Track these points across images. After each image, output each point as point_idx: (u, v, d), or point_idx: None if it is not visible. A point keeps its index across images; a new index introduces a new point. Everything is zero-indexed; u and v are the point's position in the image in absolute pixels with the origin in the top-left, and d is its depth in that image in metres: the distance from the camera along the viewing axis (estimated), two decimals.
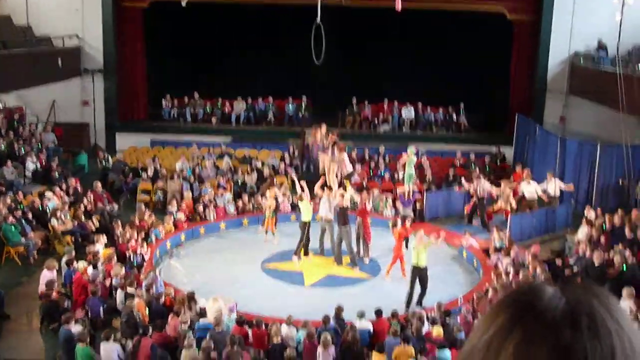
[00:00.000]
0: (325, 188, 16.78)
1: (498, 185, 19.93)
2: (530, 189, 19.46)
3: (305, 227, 16.32)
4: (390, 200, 20.07)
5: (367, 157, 23.83)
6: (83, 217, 17.69)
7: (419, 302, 14.28)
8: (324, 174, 17.06)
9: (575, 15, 25.48)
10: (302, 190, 16.67)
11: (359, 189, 19.32)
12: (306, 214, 16.39)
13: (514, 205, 19.35)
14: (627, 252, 14.67)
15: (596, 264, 14.54)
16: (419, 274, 14.24)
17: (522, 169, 21.05)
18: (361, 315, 12.30)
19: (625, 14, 20.32)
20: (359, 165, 22.28)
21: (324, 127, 17.72)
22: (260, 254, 16.81)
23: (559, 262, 15.76)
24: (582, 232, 16.97)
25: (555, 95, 26.29)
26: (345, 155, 17.15)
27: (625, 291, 12.93)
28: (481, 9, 26.03)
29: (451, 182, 22.00)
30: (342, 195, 16.15)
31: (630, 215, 17.31)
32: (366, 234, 16.70)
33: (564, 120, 26.28)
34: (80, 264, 14.17)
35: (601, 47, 24.67)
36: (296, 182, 17.41)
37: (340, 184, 16.84)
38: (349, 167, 17.22)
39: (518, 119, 25.54)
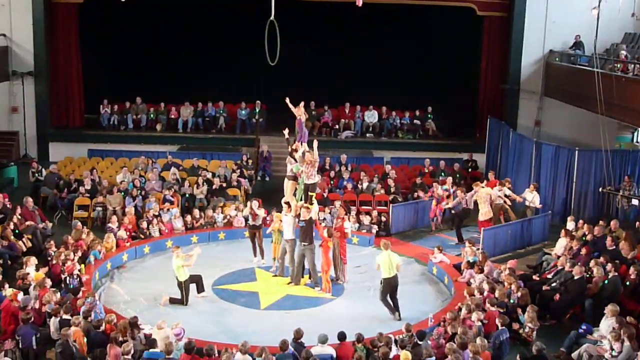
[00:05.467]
0: (284, 205, 16.69)
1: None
2: (498, 194, 19.82)
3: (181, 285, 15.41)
4: (353, 213, 20.10)
5: (327, 166, 23.78)
6: (12, 236, 17.30)
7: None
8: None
9: (549, 10, 25.96)
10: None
11: (320, 202, 19.30)
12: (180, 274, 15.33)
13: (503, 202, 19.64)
14: (609, 266, 14.87)
15: (576, 279, 14.72)
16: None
17: (495, 177, 21.26)
18: (323, 339, 12.23)
19: (602, 9, 20.69)
20: (318, 175, 22.22)
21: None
22: (211, 274, 16.64)
23: (536, 277, 15.93)
24: (561, 244, 17.19)
25: (530, 97, 26.70)
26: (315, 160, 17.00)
27: (608, 308, 13.10)
28: (449, 4, 26.32)
29: (418, 192, 22.09)
30: (308, 209, 16.09)
31: (610, 226, 17.61)
32: (342, 254, 16.63)
33: (539, 124, 26.66)
34: (9, 290, 13.87)
35: (578, 44, 25.11)
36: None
37: (307, 198, 16.71)
38: (315, 177, 17.08)
39: (490, 122, 25.83)
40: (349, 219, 18.81)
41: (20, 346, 12.27)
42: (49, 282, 14.40)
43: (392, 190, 22.15)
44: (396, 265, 14.73)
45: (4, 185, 22.46)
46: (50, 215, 20.26)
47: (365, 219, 20.04)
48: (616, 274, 14.71)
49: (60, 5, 26.54)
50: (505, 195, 19.74)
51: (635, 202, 18.77)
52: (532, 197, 19.77)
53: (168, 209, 20.00)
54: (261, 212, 18.07)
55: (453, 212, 19.89)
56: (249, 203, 18.50)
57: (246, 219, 19.10)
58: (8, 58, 26.30)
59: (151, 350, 11.94)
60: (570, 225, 18.23)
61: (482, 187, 19.52)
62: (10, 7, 26.00)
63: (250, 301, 15.58)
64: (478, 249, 17.13)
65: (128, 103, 28.02)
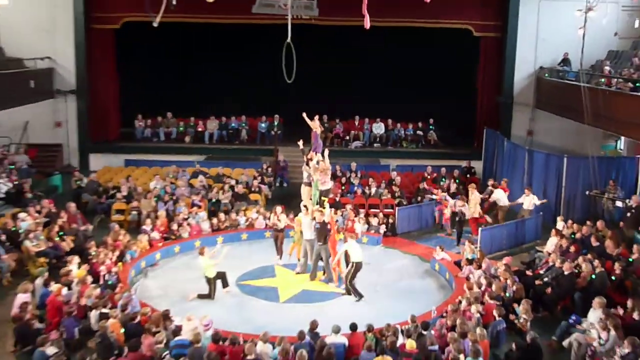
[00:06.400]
0: (303, 208, 16.73)
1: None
2: (504, 196, 20.09)
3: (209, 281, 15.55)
4: (362, 215, 20.07)
5: (339, 173, 23.76)
6: (57, 237, 17.41)
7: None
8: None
9: (539, 30, 25.90)
10: None
11: (332, 205, 19.34)
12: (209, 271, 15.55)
13: (479, 210, 19.62)
14: (596, 262, 14.80)
15: (566, 274, 14.65)
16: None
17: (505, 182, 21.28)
18: (336, 330, 12.22)
19: (588, 29, 20.64)
20: (331, 182, 22.21)
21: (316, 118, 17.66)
22: (235, 270, 16.63)
23: (529, 273, 15.85)
24: (552, 242, 17.11)
25: (522, 109, 26.59)
26: (328, 168, 17.06)
27: (595, 301, 13.02)
28: (448, 27, 26.27)
29: (422, 196, 22.09)
30: (321, 212, 16.13)
31: (596, 225, 17.54)
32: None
33: (531, 134, 26.55)
34: (55, 286, 13.93)
35: (566, 61, 25.04)
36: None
37: (321, 202, 16.75)
38: (328, 184, 17.15)
39: (486, 132, 25.76)
40: (358, 220, 18.80)
41: (63, 336, 12.32)
42: (89, 278, 14.48)
43: (398, 194, 22.13)
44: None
45: (49, 191, 22.55)
46: (90, 218, 20.29)
47: (374, 221, 20.01)
48: (603, 269, 14.64)
49: (99, 31, 26.67)
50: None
51: (619, 204, 18.64)
52: (530, 201, 19.72)
53: (196, 213, 20.05)
54: (283, 218, 17.95)
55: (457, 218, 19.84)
56: (274, 209, 18.40)
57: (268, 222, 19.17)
58: (52, 78, 26.45)
59: (177, 338, 11.94)
60: (560, 225, 18.15)
61: (475, 189, 19.76)
62: (55, 33, 26.19)
63: (270, 295, 15.57)
64: (476, 247, 17.09)
65: (160, 117, 28.13)
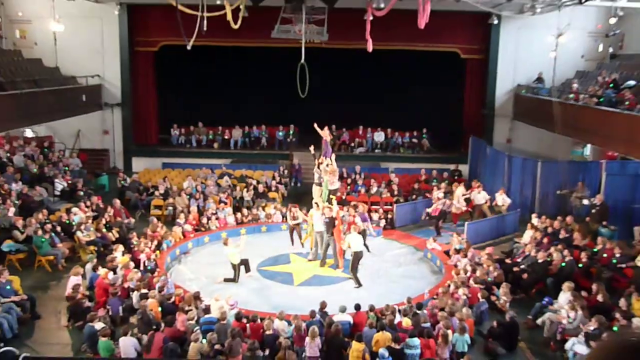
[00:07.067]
0: (315, 205, 16.74)
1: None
2: (479, 196, 19.76)
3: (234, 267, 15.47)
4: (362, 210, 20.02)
5: (345, 174, 23.73)
6: (104, 229, 17.48)
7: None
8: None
9: (517, 53, 25.82)
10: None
11: (339, 202, 19.31)
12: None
13: (463, 204, 19.51)
14: (566, 251, 14.73)
15: (540, 262, 14.60)
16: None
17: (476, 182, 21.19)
18: (343, 309, 12.21)
19: (559, 52, 20.62)
20: (338, 182, 22.18)
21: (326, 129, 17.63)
22: (256, 258, 16.64)
23: (508, 260, 15.79)
24: (528, 235, 17.04)
25: (503, 120, 26.49)
26: (335, 170, 17.06)
27: (565, 285, 12.97)
28: (439, 50, 26.22)
29: (416, 194, 22.04)
30: (330, 208, 16.14)
31: (565, 220, 17.48)
32: None
33: (510, 141, 26.47)
34: (102, 270, 14.00)
35: (540, 79, 24.95)
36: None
37: (329, 200, 16.76)
38: (336, 184, 17.15)
39: (472, 140, 25.69)
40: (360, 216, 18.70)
41: (109, 314, 12.37)
42: (132, 264, 14.51)
43: (396, 193, 22.08)
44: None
45: (98, 189, 22.65)
46: (133, 213, 20.37)
47: (375, 216, 19.95)
48: (571, 258, 14.57)
49: (141, 53, 26.77)
50: (463, 194, 19.88)
51: (585, 201, 18.55)
52: (502, 199, 19.65)
53: (223, 208, 20.06)
54: (300, 213, 17.81)
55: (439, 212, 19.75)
56: (289, 206, 18.31)
57: (284, 217, 19.17)
58: (101, 93, 26.54)
59: (206, 315, 11.98)
60: (534, 220, 18.05)
61: (459, 187, 19.74)
62: (103, 55, 26.30)
63: (286, 279, 15.57)
64: (463, 239, 17.03)
65: (192, 127, 28.15)
